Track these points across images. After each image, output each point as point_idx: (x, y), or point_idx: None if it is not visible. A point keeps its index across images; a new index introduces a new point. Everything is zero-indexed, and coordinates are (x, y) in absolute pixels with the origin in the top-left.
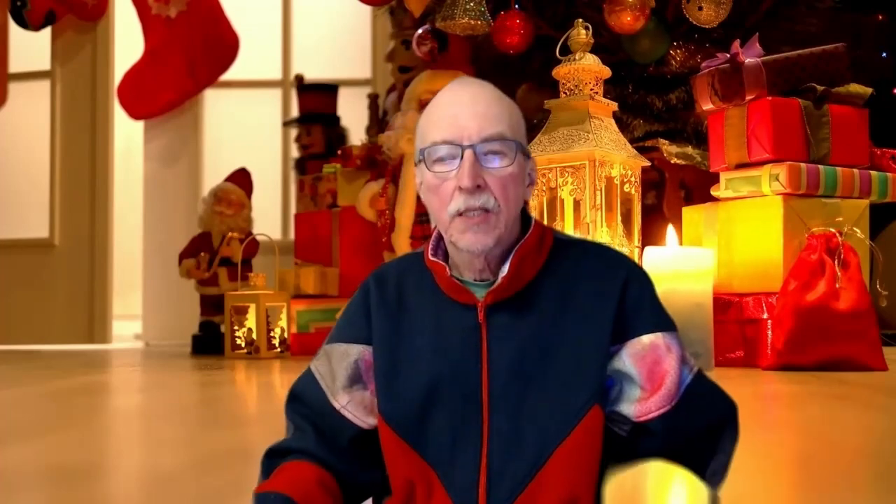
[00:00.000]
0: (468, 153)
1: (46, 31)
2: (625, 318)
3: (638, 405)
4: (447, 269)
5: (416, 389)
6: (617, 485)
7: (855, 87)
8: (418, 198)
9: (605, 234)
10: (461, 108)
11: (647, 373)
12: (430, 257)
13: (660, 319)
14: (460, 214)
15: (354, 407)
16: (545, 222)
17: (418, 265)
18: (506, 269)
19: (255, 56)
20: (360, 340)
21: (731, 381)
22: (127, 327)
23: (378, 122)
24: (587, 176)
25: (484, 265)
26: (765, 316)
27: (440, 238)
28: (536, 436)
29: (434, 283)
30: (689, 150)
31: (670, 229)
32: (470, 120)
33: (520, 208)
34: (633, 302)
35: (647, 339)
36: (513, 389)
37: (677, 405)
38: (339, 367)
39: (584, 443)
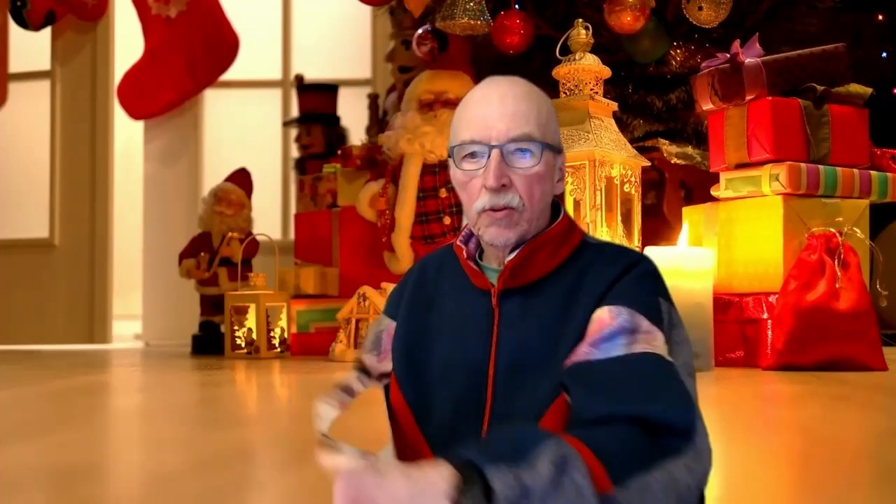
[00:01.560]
0: (495, 153)
1: (46, 31)
2: (614, 292)
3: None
4: (464, 251)
5: (432, 366)
6: None
7: (855, 87)
8: (418, 198)
9: (606, 234)
10: (490, 109)
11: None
12: (458, 243)
13: (631, 299)
14: (486, 210)
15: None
16: None
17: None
18: (512, 256)
19: (255, 56)
20: (390, 315)
21: (731, 382)
22: (127, 327)
23: (378, 122)
24: (587, 176)
25: (506, 254)
26: (765, 316)
27: (467, 233)
28: (532, 424)
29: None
30: (689, 150)
31: (685, 228)
32: (498, 120)
33: (546, 204)
34: (618, 287)
35: (598, 312)
36: (514, 376)
37: (597, 365)
38: (373, 330)
39: None
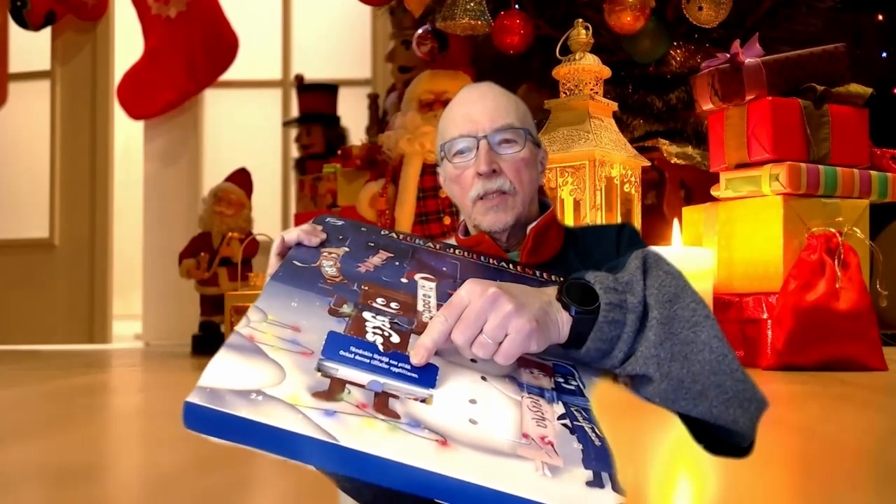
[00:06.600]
0: (483, 143)
1: (46, 31)
2: (621, 250)
3: None
4: (486, 234)
5: None
6: None
7: (855, 87)
8: (418, 198)
9: None
10: (473, 106)
11: None
12: (462, 237)
13: (638, 246)
14: (481, 198)
15: None
16: None
17: None
18: (533, 224)
19: (255, 56)
20: None
21: None
22: (127, 327)
23: (378, 122)
24: (587, 176)
25: (505, 240)
26: (765, 316)
27: (465, 226)
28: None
29: None
30: (689, 150)
31: (675, 226)
32: (482, 115)
33: (534, 190)
34: (626, 239)
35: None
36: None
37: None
38: None
39: None
